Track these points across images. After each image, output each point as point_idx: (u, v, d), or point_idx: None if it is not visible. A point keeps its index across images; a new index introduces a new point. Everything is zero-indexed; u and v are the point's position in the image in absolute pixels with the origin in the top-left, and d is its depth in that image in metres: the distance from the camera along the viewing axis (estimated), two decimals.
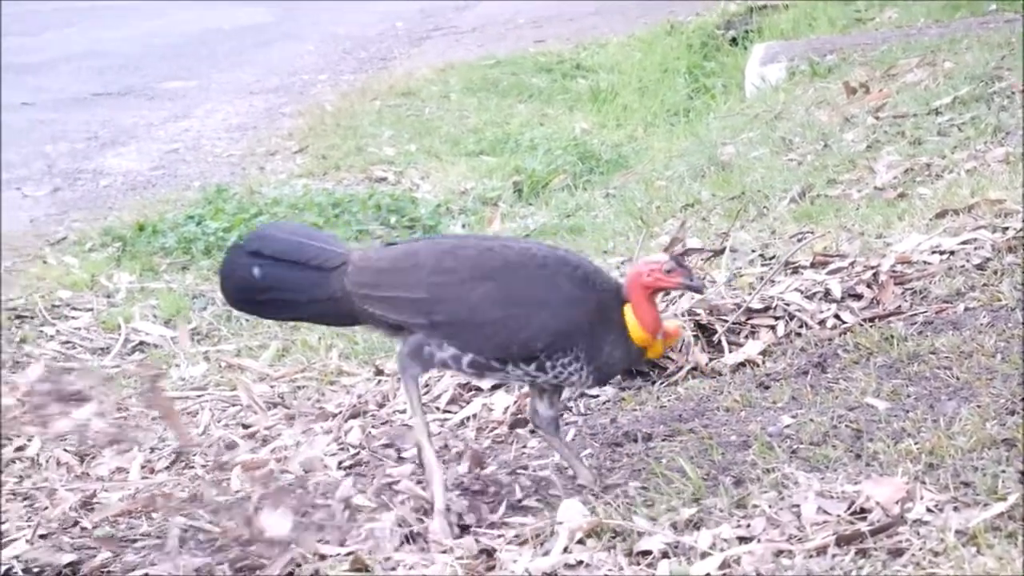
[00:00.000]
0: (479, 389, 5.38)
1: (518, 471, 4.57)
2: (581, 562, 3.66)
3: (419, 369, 4.30)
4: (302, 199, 9.53)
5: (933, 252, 5.82)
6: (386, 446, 5.23)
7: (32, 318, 7.45)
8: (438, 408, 5.39)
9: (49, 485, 5.30)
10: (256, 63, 16.33)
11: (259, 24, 19.42)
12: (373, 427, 5.39)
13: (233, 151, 11.86)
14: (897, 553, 3.46)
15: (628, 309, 4.17)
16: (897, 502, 3.67)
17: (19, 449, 5.71)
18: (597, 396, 5.24)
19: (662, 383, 5.21)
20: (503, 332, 4.12)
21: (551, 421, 4.39)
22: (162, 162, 11.50)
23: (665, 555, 3.61)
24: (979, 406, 4.28)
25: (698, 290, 4.42)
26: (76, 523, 4.82)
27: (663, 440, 4.54)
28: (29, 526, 4.76)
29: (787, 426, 4.39)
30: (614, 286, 4.26)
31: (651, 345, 4.22)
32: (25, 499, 5.20)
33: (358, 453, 5.19)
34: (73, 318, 7.51)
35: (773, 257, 6.09)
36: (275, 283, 4.35)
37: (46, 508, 5.04)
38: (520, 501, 4.32)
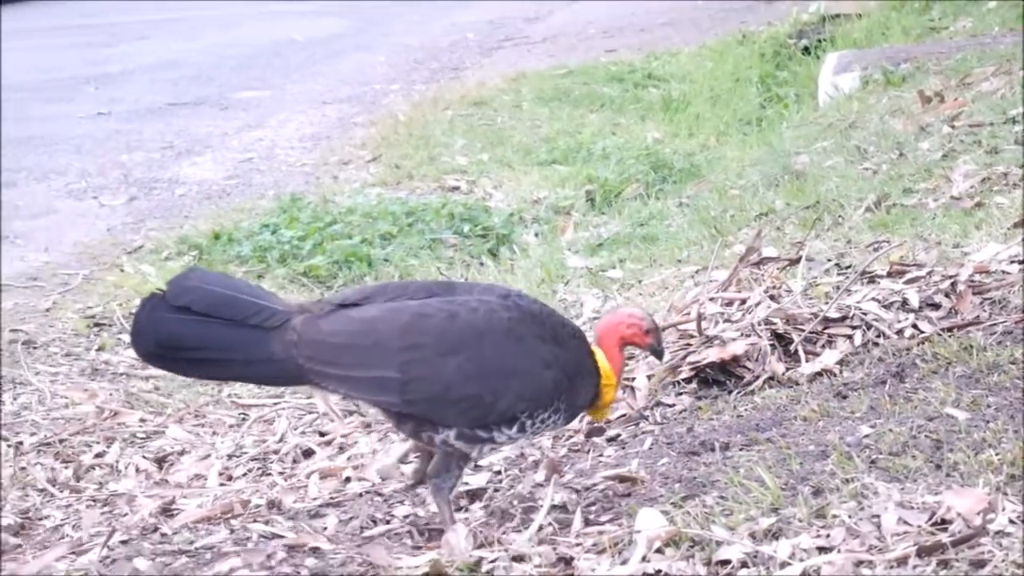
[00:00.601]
0: None
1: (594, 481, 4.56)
2: (659, 571, 3.64)
3: (451, 481, 4.22)
4: (376, 208, 9.56)
5: (1012, 262, 5.77)
6: None
7: (110, 326, 7.52)
8: None
9: (129, 492, 5.36)
10: (329, 73, 16.42)
11: (332, 35, 19.53)
12: None
13: (307, 160, 11.92)
14: (979, 565, 3.43)
15: (599, 352, 4.27)
16: (979, 513, 3.63)
17: (98, 456, 5.77)
18: (673, 405, 5.23)
19: (739, 392, 5.20)
20: (480, 406, 4.07)
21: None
22: (236, 171, 11.58)
23: (744, 565, 3.59)
24: None
25: (659, 356, 4.62)
26: (156, 529, 4.85)
27: (740, 449, 4.52)
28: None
29: (866, 436, 4.36)
30: (579, 332, 4.32)
31: (613, 392, 4.33)
32: (104, 505, 5.25)
33: None
34: None
35: (849, 266, 6.06)
36: (205, 342, 4.06)
37: (125, 514, 5.09)
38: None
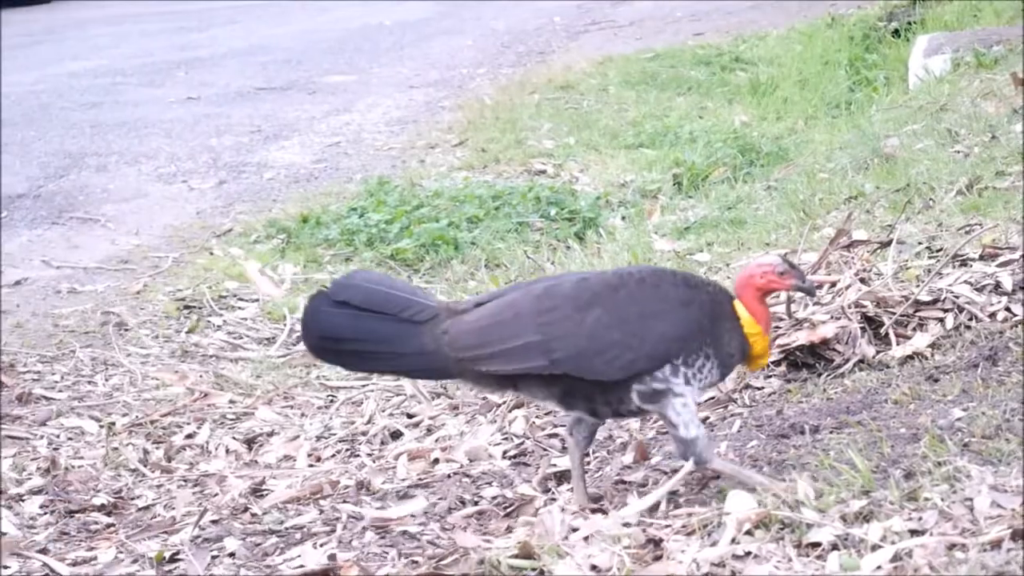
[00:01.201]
0: None
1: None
2: (749, 553, 3.62)
3: (696, 433, 4.17)
4: (462, 192, 9.57)
5: None
6: (550, 436, 5.25)
7: (199, 308, 7.59)
8: None
9: (219, 472, 5.41)
10: (416, 57, 16.46)
11: (420, 19, 19.58)
12: (537, 417, 5.41)
13: (393, 144, 11.95)
14: None
15: (738, 304, 4.21)
16: None
17: (189, 436, 5.83)
18: (762, 388, 5.20)
19: (828, 375, 5.16)
20: (626, 352, 4.08)
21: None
22: (324, 155, 11.62)
23: (835, 547, 3.57)
24: None
25: (810, 292, 4.51)
26: (246, 509, 4.90)
27: (831, 432, 4.49)
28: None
29: (958, 419, 4.31)
30: (713, 282, 4.34)
31: (762, 341, 4.24)
32: (195, 485, 5.31)
33: (522, 443, 5.23)
34: (239, 308, 7.63)
35: (940, 249, 5.99)
36: (362, 335, 4.24)
37: (216, 495, 5.14)
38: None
